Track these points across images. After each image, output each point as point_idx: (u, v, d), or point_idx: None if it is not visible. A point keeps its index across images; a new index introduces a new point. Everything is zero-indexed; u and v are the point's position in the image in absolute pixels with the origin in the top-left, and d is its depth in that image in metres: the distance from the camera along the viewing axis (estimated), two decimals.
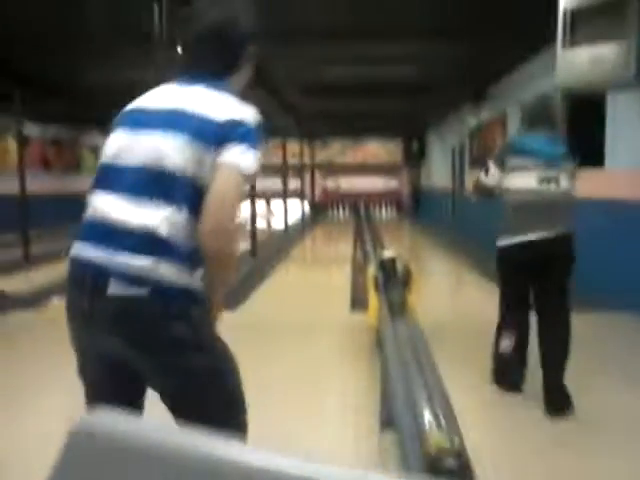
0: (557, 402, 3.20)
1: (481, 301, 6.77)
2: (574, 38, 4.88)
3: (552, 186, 3.34)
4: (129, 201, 1.51)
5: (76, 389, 1.69)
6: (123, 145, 1.59)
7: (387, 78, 10.67)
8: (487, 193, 3.59)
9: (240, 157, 1.51)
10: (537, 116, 3.52)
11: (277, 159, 15.44)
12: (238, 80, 1.72)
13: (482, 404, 3.53)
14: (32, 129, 15.44)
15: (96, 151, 19.97)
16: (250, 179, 1.54)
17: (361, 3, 6.54)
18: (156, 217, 1.48)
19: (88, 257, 1.52)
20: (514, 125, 10.23)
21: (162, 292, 1.47)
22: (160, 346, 1.50)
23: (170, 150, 1.51)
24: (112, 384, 1.61)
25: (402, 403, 2.57)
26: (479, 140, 12.89)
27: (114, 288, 1.46)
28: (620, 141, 6.31)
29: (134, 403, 1.64)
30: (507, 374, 3.53)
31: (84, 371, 1.64)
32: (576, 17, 4.86)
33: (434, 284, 8.30)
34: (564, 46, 4.91)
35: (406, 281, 4.72)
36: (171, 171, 1.51)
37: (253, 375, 3.94)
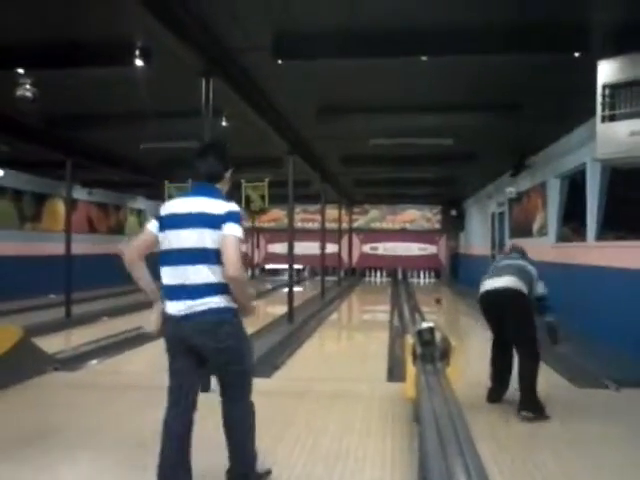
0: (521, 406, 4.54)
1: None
2: (613, 112, 4.91)
3: (510, 261, 5.02)
4: (191, 266, 2.87)
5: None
6: (181, 238, 2.91)
7: (428, 148, 10.81)
8: None
9: (233, 229, 2.88)
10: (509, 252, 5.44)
11: (316, 224, 15.57)
12: (223, 187, 3.14)
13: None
14: (80, 193, 16.06)
15: (140, 215, 20.60)
16: (241, 240, 2.88)
17: (404, 78, 6.73)
18: (207, 272, 2.86)
19: (177, 310, 2.91)
20: (554, 194, 10.20)
21: (217, 311, 2.88)
22: (219, 337, 2.90)
23: (204, 238, 2.88)
24: (190, 366, 3.00)
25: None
26: (519, 208, 12.84)
27: (196, 307, 2.87)
28: None
29: (197, 381, 3.08)
30: (488, 393, 5.00)
31: (175, 355, 3.02)
32: (615, 92, 4.90)
33: (473, 354, 8.12)
34: (603, 120, 4.94)
35: (445, 352, 4.64)
36: (207, 248, 2.87)
37: (286, 444, 3.91)
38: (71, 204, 11.42)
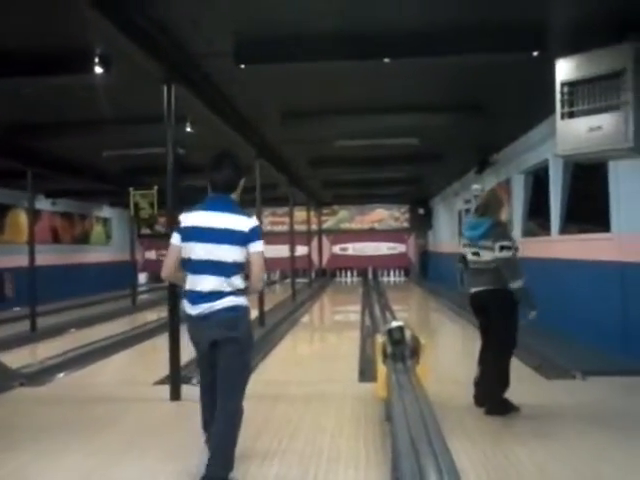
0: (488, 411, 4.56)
1: None
2: (571, 109, 5.00)
3: (476, 257, 4.73)
4: (210, 276, 3.24)
5: None
6: (200, 251, 3.26)
7: (394, 148, 10.87)
8: (461, 261, 4.99)
9: (259, 246, 3.29)
10: (479, 206, 4.97)
11: (285, 227, 15.51)
12: (237, 194, 3.42)
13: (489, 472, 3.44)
14: (43, 203, 15.77)
15: (106, 223, 20.29)
16: (263, 253, 3.31)
17: (367, 80, 6.76)
18: (221, 282, 3.23)
19: (197, 312, 3.28)
20: (519, 190, 10.37)
21: (232, 308, 3.25)
22: (236, 330, 3.26)
23: (225, 252, 3.23)
24: (211, 354, 3.31)
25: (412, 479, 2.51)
26: None
27: (214, 307, 3.25)
28: (624, 206, 6.36)
29: (215, 367, 3.34)
30: (474, 397, 4.77)
31: (198, 349, 3.39)
32: (573, 89, 5.00)
33: (443, 351, 8.21)
34: (562, 117, 5.03)
35: (414, 351, 4.68)
36: (227, 261, 3.24)
37: (260, 446, 3.90)
38: (34, 215, 11.20)
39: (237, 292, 3.26)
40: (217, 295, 3.22)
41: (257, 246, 3.25)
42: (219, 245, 3.21)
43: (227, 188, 3.34)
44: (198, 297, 3.25)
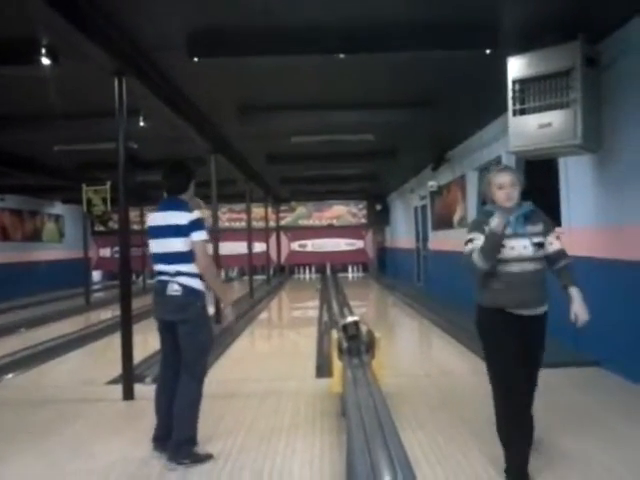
0: None
1: (446, 360, 6.76)
2: (523, 106, 5.09)
3: None
4: (166, 263, 3.75)
5: None
6: (155, 245, 3.82)
7: (350, 145, 10.88)
8: None
9: (200, 235, 3.72)
10: None
11: (243, 223, 15.38)
12: (188, 194, 3.91)
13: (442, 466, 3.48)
14: None
15: (58, 220, 19.79)
16: (207, 241, 3.74)
17: (325, 77, 6.76)
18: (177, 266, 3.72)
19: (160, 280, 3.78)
20: (473, 186, 10.52)
21: (187, 293, 3.69)
22: (186, 314, 3.69)
23: (174, 244, 3.71)
24: (167, 336, 3.82)
25: (365, 474, 2.51)
26: (440, 201, 13.18)
27: (169, 291, 3.70)
28: (573, 201, 6.51)
29: (175, 347, 3.78)
30: None
31: (160, 330, 3.87)
32: (524, 86, 5.09)
33: (399, 345, 8.29)
34: (514, 114, 5.11)
35: (369, 345, 4.70)
36: (177, 250, 3.71)
37: (215, 444, 3.86)
38: None
39: (195, 275, 3.76)
40: (175, 275, 3.79)
41: (198, 235, 3.69)
42: (170, 239, 3.72)
43: (178, 191, 3.86)
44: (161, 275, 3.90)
